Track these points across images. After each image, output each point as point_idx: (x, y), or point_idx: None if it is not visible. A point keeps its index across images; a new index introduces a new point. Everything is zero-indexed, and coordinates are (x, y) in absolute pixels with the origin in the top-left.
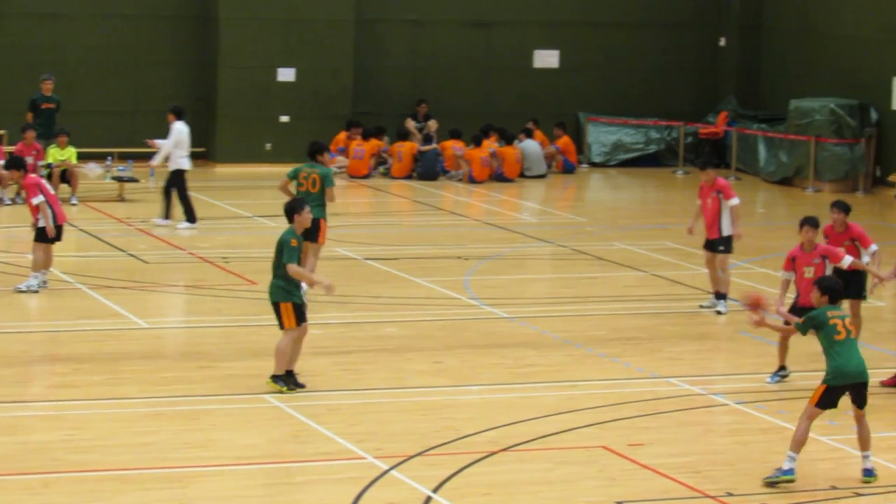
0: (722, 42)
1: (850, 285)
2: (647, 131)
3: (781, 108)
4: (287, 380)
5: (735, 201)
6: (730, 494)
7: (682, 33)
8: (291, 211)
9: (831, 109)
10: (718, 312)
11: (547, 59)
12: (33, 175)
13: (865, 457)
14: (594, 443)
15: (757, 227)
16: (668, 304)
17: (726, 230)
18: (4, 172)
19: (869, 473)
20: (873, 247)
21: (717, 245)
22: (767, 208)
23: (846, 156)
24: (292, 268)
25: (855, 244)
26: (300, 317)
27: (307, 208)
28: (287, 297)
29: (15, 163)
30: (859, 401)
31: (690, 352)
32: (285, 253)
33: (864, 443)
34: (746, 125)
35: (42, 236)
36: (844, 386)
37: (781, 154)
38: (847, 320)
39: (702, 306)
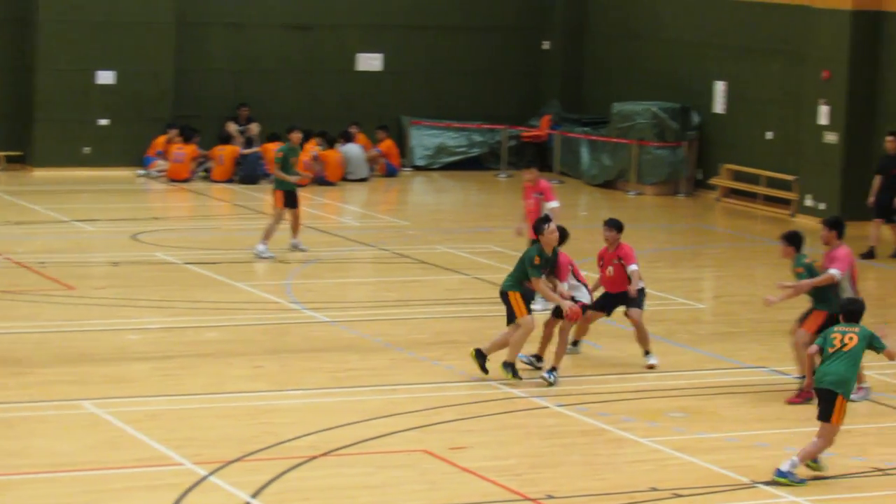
0: (545, 46)
1: (624, 299)
2: (470, 135)
3: (604, 111)
4: (515, 368)
5: (554, 204)
6: (550, 497)
7: (505, 37)
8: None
9: (653, 113)
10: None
11: (370, 62)
12: None
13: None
14: (416, 447)
15: (580, 229)
16: (491, 308)
17: None
18: None
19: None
20: (633, 267)
21: None
22: (589, 211)
23: (668, 159)
24: (538, 284)
25: (621, 263)
26: (529, 306)
27: (550, 226)
28: (516, 287)
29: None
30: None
31: None
32: (529, 269)
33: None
34: (569, 128)
35: None
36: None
37: (604, 157)
38: (847, 336)
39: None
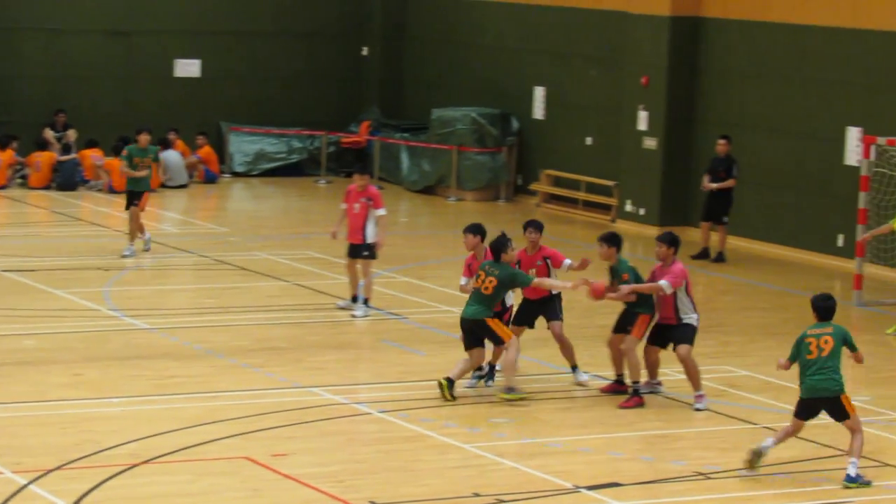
0: (364, 52)
1: (545, 307)
2: (289, 141)
3: (424, 117)
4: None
5: (382, 212)
6: (372, 503)
7: (325, 43)
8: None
9: (473, 119)
10: (353, 316)
11: (188, 68)
12: None
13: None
14: (237, 454)
15: (400, 236)
16: (311, 314)
17: (371, 237)
18: None
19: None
20: (567, 262)
21: (362, 250)
22: (410, 217)
23: (488, 164)
24: (541, 282)
25: (547, 263)
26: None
27: (513, 244)
28: (489, 313)
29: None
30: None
31: (333, 361)
32: (522, 279)
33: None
34: (389, 134)
35: None
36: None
37: (424, 163)
38: (822, 339)
39: (338, 305)
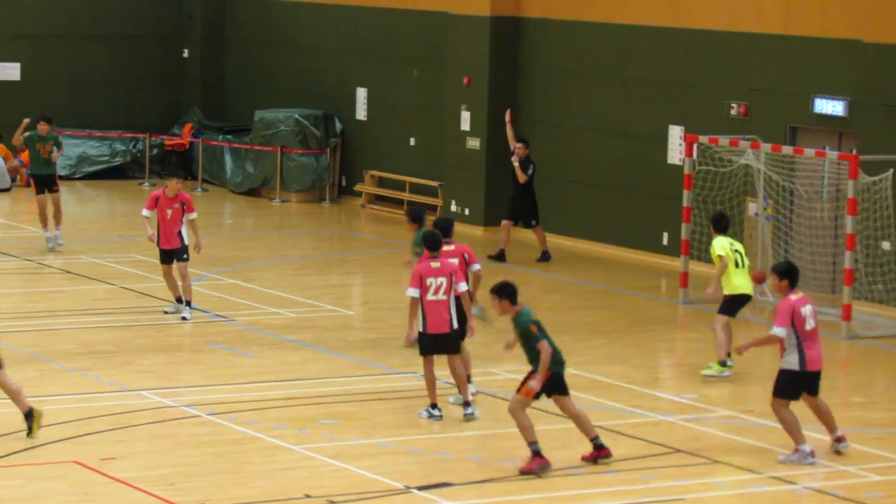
0: (185, 53)
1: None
2: (112, 143)
3: (247, 119)
4: None
5: (194, 215)
6: None
7: (145, 45)
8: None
9: (296, 120)
10: (184, 318)
11: (7, 71)
12: None
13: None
14: (66, 457)
15: (225, 237)
16: (138, 317)
17: (186, 240)
18: None
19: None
20: (475, 266)
21: (181, 254)
22: (235, 219)
23: (312, 166)
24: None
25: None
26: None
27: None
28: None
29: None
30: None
31: (160, 364)
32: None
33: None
34: (212, 136)
35: None
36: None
37: (248, 165)
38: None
39: (165, 311)
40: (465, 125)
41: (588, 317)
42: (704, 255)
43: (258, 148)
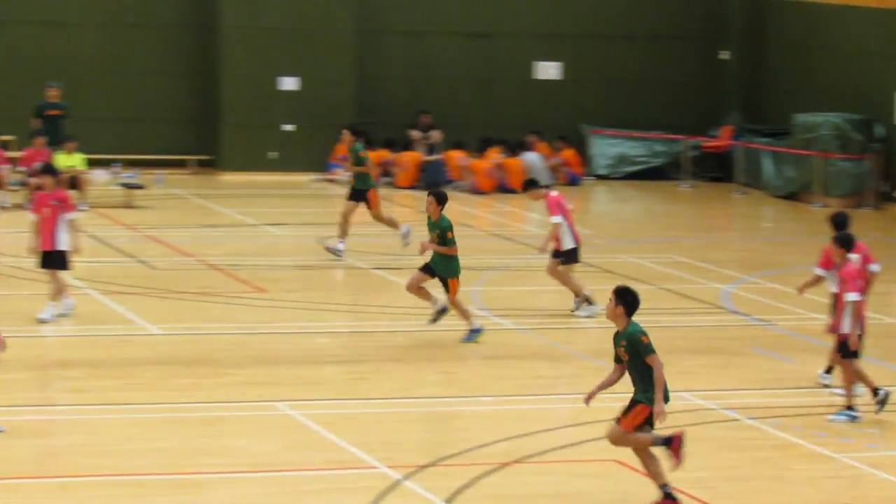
0: (724, 56)
1: None
2: (650, 144)
3: (784, 122)
4: None
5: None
6: None
7: (684, 46)
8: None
9: (836, 124)
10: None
11: (548, 70)
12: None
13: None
14: (608, 456)
15: (763, 241)
16: (679, 318)
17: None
18: (32, 180)
19: None
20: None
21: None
22: (774, 223)
23: (852, 171)
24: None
25: None
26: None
27: None
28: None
29: (47, 169)
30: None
31: (702, 366)
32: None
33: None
34: (751, 139)
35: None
36: None
37: (787, 169)
38: None
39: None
40: None
41: None
42: None
43: (798, 152)
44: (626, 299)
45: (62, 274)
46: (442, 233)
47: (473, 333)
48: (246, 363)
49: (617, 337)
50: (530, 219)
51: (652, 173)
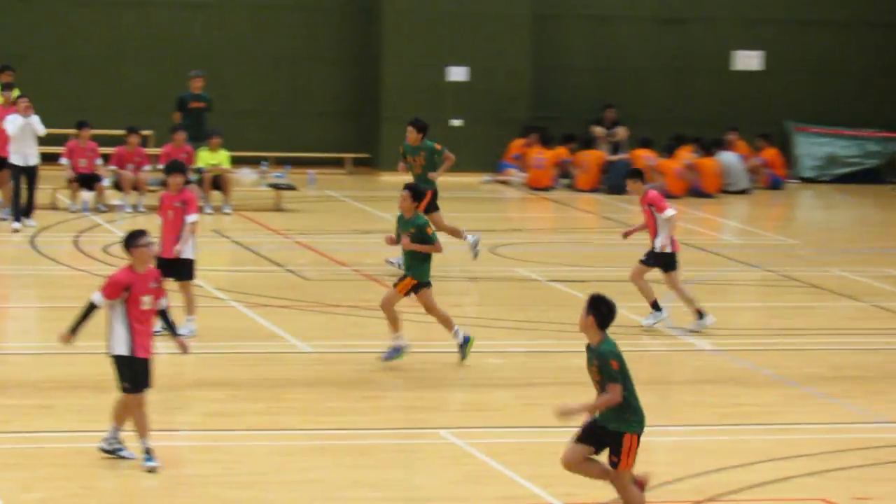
0: None
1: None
2: (863, 143)
3: None
4: None
5: (670, 213)
6: None
7: None
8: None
9: None
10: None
11: (748, 60)
12: None
13: None
14: (814, 494)
15: None
16: (893, 340)
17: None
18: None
19: None
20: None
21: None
22: None
23: None
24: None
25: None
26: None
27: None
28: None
29: (176, 167)
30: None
31: None
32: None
33: None
34: None
35: None
36: None
37: None
38: None
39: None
40: None
41: None
42: None
43: None
44: (600, 309)
45: (191, 285)
46: (420, 230)
47: (395, 352)
48: (406, 385)
49: (589, 353)
50: (726, 227)
51: (865, 176)
